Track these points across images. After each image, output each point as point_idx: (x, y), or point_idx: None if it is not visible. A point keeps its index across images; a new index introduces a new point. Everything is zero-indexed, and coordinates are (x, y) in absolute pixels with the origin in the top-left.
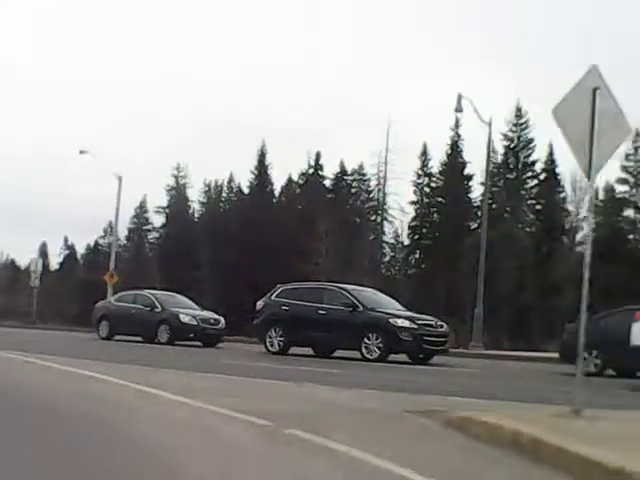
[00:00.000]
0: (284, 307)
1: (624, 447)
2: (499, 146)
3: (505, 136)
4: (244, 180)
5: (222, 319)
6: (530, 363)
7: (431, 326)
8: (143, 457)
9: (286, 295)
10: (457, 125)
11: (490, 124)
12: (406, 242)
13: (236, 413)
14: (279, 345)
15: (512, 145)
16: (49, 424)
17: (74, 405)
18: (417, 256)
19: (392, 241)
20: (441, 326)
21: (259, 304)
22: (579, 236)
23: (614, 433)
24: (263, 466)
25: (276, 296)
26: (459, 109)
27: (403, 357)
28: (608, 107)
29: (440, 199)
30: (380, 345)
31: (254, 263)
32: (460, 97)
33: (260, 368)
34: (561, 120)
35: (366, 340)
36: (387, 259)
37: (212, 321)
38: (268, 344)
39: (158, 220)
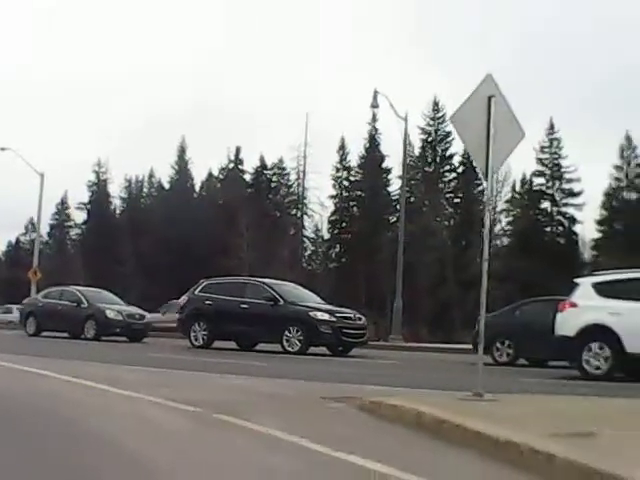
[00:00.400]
0: (207, 302)
1: (514, 424)
2: (417, 140)
3: (422, 130)
4: (165, 175)
5: (147, 314)
6: (447, 354)
7: (350, 319)
8: (106, 447)
9: (209, 290)
10: (374, 119)
11: (406, 119)
12: (326, 236)
13: (171, 402)
14: (203, 339)
15: (429, 139)
16: (18, 425)
17: (33, 404)
18: (337, 250)
19: (312, 235)
20: (360, 319)
21: (183, 299)
22: (497, 229)
23: (508, 413)
24: (197, 444)
25: (199, 291)
26: (375, 105)
27: (323, 350)
28: (502, 113)
29: (359, 193)
30: (300, 338)
31: (176, 258)
32: (376, 93)
33: (186, 361)
34: (459, 126)
35: (287, 333)
36: (308, 253)
37: (137, 316)
38: (192, 338)
39: (80, 216)
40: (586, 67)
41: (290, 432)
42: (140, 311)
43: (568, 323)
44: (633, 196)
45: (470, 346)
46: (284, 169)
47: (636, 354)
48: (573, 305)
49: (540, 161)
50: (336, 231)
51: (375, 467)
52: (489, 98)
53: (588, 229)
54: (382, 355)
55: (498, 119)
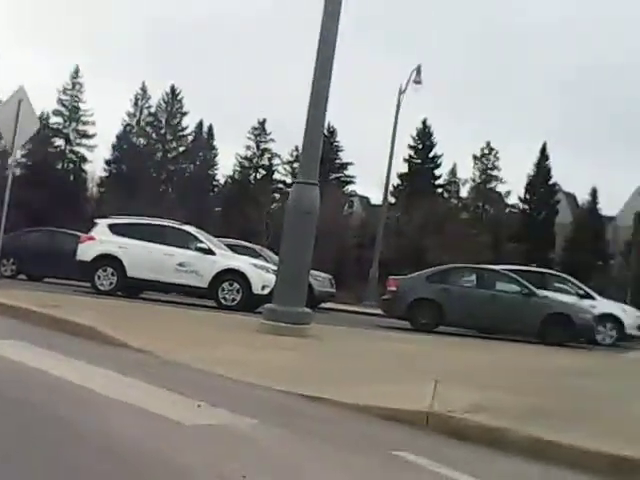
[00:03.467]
0: None
1: (18, 301)
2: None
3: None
4: None
5: None
6: None
7: None
8: None
9: None
10: None
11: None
12: None
13: None
14: None
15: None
16: None
17: None
18: None
19: None
20: None
21: None
22: (10, 160)
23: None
24: None
25: None
26: None
27: None
28: (26, 111)
29: None
30: None
31: None
32: None
33: None
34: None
35: None
36: None
37: None
38: None
39: None
40: None
41: None
42: None
43: (87, 252)
44: (141, 141)
45: None
46: None
47: (134, 278)
48: (91, 239)
49: (60, 101)
50: None
51: None
52: (19, 101)
53: (99, 168)
54: None
55: (23, 114)
